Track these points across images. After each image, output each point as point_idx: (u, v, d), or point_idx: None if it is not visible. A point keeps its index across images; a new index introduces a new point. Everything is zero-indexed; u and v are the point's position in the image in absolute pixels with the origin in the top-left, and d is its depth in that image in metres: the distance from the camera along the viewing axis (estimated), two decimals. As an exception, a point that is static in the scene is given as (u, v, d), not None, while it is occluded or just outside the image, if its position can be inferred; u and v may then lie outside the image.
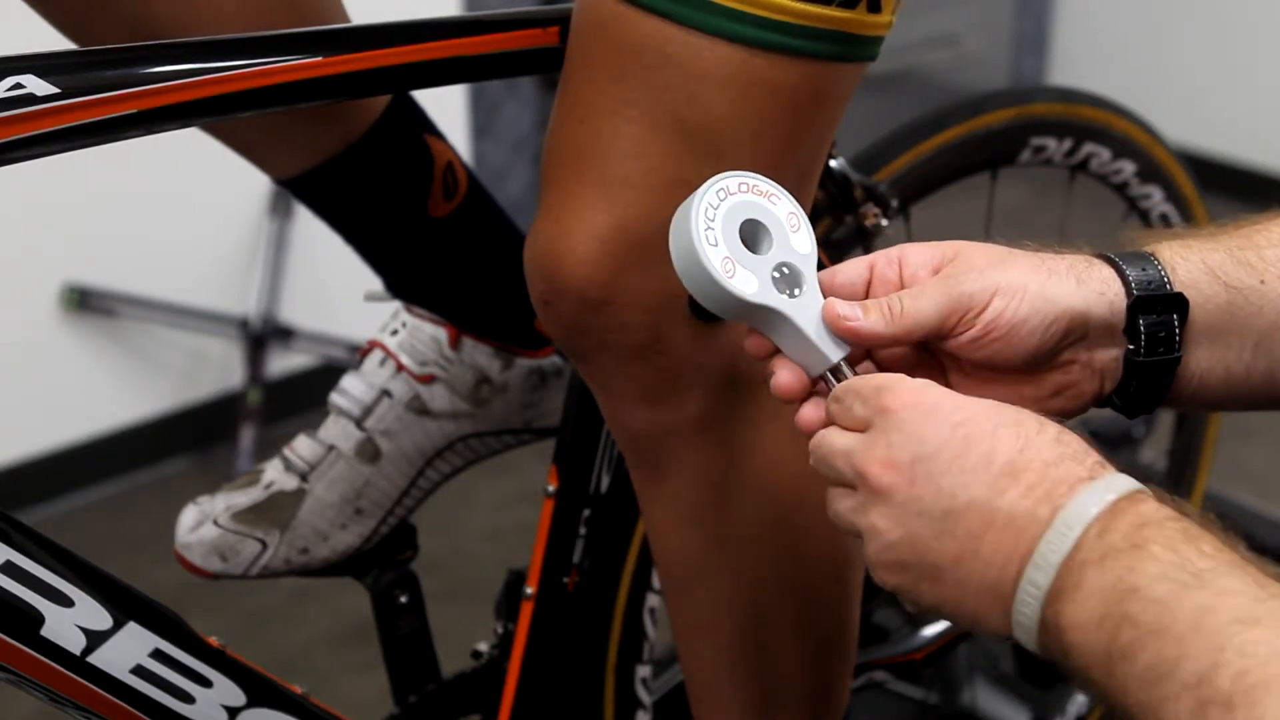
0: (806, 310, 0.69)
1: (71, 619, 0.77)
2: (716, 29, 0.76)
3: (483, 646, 1.14)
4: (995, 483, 0.59)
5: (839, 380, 0.68)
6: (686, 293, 0.82)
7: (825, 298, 0.70)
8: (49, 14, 0.92)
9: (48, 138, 0.71)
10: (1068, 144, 1.36)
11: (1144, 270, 0.69)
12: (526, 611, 1.06)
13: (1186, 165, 1.48)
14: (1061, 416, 0.70)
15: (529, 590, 1.06)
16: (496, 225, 1.11)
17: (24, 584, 0.76)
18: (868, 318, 0.68)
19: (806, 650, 0.96)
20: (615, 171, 0.79)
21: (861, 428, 0.64)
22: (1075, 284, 0.69)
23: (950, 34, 3.72)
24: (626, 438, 0.89)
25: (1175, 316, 0.69)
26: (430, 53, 0.84)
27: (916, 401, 0.62)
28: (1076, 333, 0.69)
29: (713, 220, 0.69)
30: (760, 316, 0.69)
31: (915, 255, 0.70)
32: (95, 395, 2.41)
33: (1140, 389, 0.71)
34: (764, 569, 0.92)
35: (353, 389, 1.09)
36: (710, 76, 0.77)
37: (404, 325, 1.10)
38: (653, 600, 1.12)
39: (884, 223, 1.14)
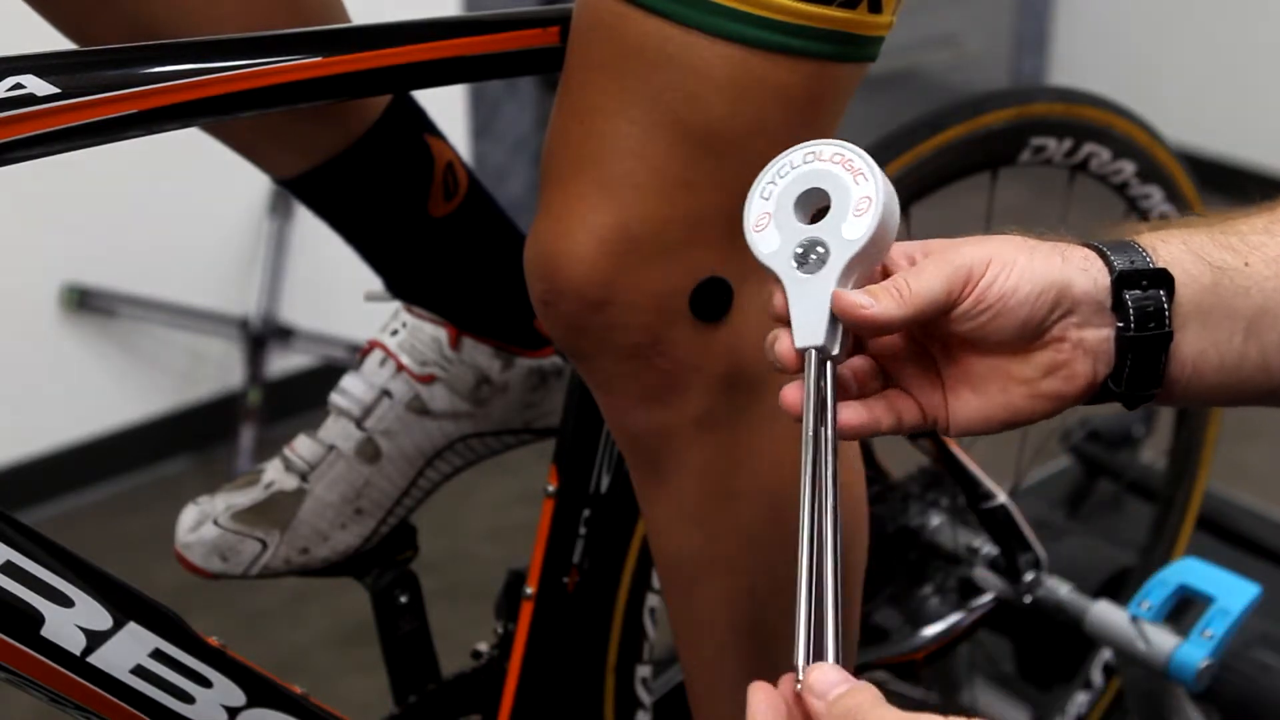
0: (810, 289, 0.68)
1: (71, 619, 0.77)
2: (717, 29, 0.76)
3: (483, 646, 1.14)
4: None
5: (822, 358, 0.68)
6: (687, 292, 0.82)
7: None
8: (49, 14, 0.92)
9: (48, 138, 0.71)
10: (1068, 144, 1.36)
11: (1124, 252, 0.70)
12: (526, 611, 1.06)
13: (1186, 165, 1.48)
14: (1058, 403, 0.70)
15: (529, 590, 1.06)
16: (496, 225, 1.11)
17: (24, 584, 0.76)
18: (880, 303, 0.68)
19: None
20: (615, 171, 0.79)
21: None
22: (1060, 260, 0.69)
23: (950, 34, 3.72)
24: (626, 438, 0.89)
25: (1162, 292, 0.69)
26: (430, 53, 0.84)
27: None
28: (1064, 305, 0.69)
29: (781, 177, 0.70)
30: (774, 278, 0.70)
31: (894, 250, 0.71)
32: (95, 395, 2.41)
33: (1135, 370, 0.70)
34: (764, 569, 0.92)
35: (353, 389, 1.09)
36: (711, 76, 0.77)
37: (404, 325, 1.10)
38: (653, 600, 1.12)
39: (884, 223, 1.14)
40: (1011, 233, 0.72)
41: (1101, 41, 3.86)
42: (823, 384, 0.68)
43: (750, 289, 0.84)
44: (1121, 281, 0.69)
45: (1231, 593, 1.24)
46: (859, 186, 0.70)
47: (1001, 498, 1.29)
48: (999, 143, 1.33)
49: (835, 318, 0.68)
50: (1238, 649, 1.43)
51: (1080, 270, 0.69)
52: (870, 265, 0.70)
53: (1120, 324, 0.69)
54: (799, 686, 0.62)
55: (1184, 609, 1.28)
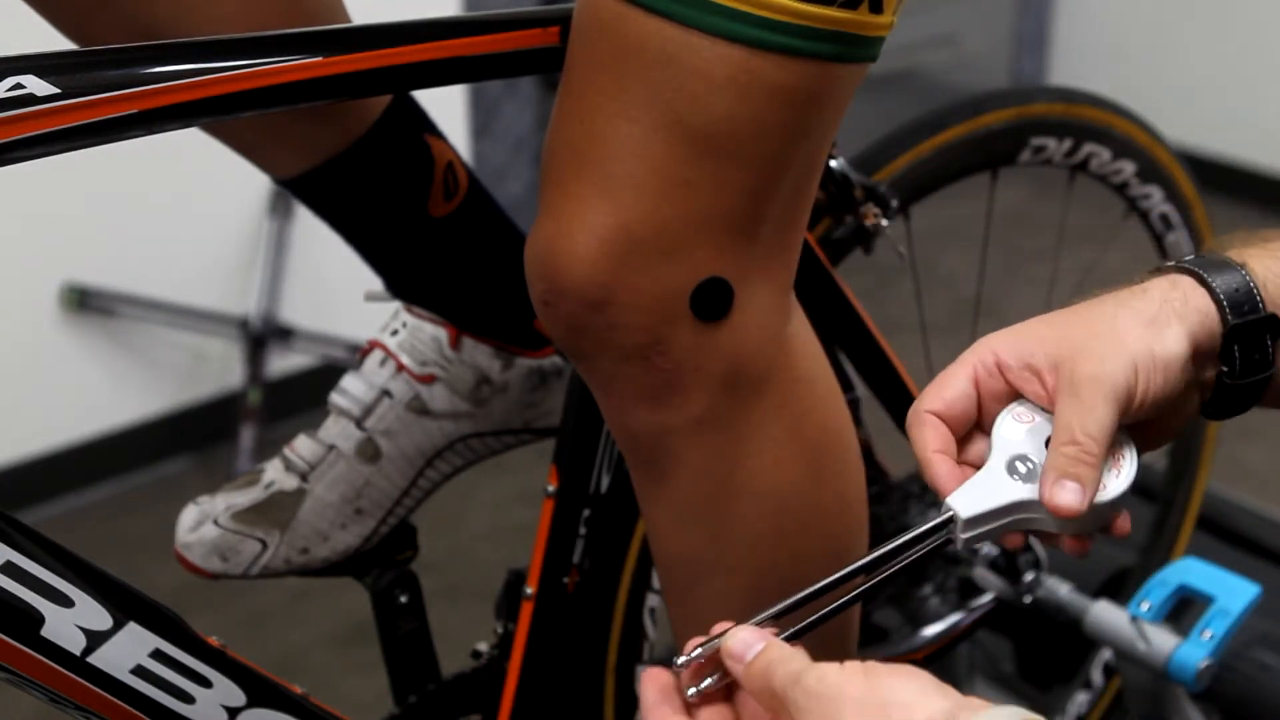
0: (1002, 489, 0.69)
1: (71, 619, 0.77)
2: (718, 29, 0.76)
3: (483, 646, 1.14)
4: None
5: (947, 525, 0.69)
6: (687, 292, 0.82)
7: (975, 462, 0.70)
8: (49, 14, 0.92)
9: (48, 138, 0.71)
10: (1068, 144, 1.36)
11: (1237, 290, 0.70)
12: (526, 611, 1.06)
13: (1186, 165, 1.48)
14: (1167, 437, 0.73)
15: (529, 590, 1.06)
16: (497, 225, 1.11)
17: (24, 584, 0.76)
18: (1088, 489, 0.67)
19: (806, 650, 0.96)
20: (616, 172, 0.79)
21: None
22: (1179, 325, 0.69)
23: (950, 34, 3.72)
24: (627, 438, 0.89)
25: (1269, 336, 0.70)
26: (430, 53, 0.84)
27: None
28: (1190, 368, 0.70)
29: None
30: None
31: (1010, 354, 0.70)
32: (95, 395, 2.41)
33: (1231, 403, 0.72)
34: (764, 569, 0.92)
35: (353, 389, 1.09)
36: (711, 77, 0.77)
37: (404, 325, 1.10)
38: (653, 600, 1.12)
39: (884, 223, 1.14)
40: (1098, 293, 0.72)
41: (1101, 41, 3.86)
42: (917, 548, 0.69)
43: (750, 289, 0.84)
44: (1234, 334, 0.70)
45: (1231, 593, 1.24)
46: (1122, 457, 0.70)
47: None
48: (999, 143, 1.33)
49: (992, 520, 0.68)
50: (1238, 649, 1.43)
51: (1201, 326, 0.69)
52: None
53: (1225, 369, 0.71)
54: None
55: (1184, 609, 1.28)
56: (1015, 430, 0.70)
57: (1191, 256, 0.73)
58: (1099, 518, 0.69)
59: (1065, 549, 0.71)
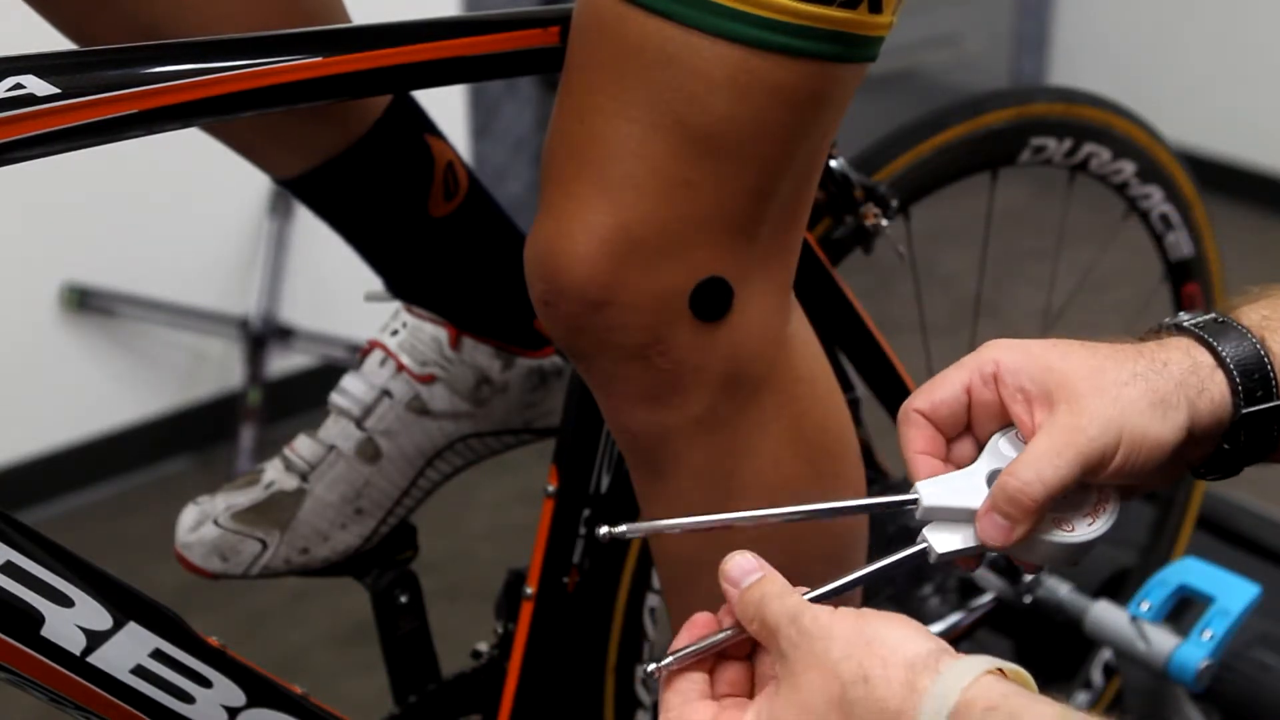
0: (972, 494, 0.69)
1: (71, 619, 0.77)
2: (717, 29, 0.76)
3: (483, 646, 1.14)
4: None
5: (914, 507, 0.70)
6: (687, 292, 0.82)
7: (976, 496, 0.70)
8: (49, 14, 0.92)
9: (48, 138, 0.71)
10: (1068, 144, 1.36)
11: (1254, 376, 0.69)
12: (526, 611, 1.06)
13: (1186, 165, 1.48)
14: (1170, 480, 0.73)
15: (529, 590, 1.06)
16: (497, 225, 1.11)
17: (24, 584, 0.76)
18: (1016, 530, 0.67)
19: None
20: (615, 172, 0.79)
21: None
22: (1187, 412, 0.68)
23: (950, 34, 3.72)
24: (626, 438, 0.89)
25: (1275, 423, 0.69)
26: (430, 53, 0.84)
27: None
28: (1182, 448, 0.69)
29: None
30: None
31: (1009, 370, 0.69)
32: (95, 395, 2.41)
33: (1226, 471, 0.72)
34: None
35: (353, 389, 1.09)
36: (711, 77, 0.77)
37: (404, 325, 1.10)
38: (653, 600, 1.12)
39: (884, 223, 1.14)
40: (1119, 340, 0.71)
41: (1101, 41, 3.86)
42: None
43: (750, 289, 0.84)
44: (1243, 421, 0.69)
45: (1231, 593, 1.24)
46: (1103, 506, 0.70)
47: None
48: (999, 143, 1.33)
49: (950, 518, 0.69)
50: (1238, 649, 1.43)
51: (1209, 414, 0.68)
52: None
53: (1226, 446, 0.70)
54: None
55: (1184, 609, 1.28)
56: (1008, 449, 0.70)
57: (1212, 320, 0.71)
58: (1062, 553, 0.69)
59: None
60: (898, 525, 1.37)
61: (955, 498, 0.69)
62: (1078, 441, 0.66)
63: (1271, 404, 0.69)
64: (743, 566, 0.66)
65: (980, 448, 0.71)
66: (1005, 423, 0.70)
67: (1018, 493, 0.66)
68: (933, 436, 0.71)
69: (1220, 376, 0.69)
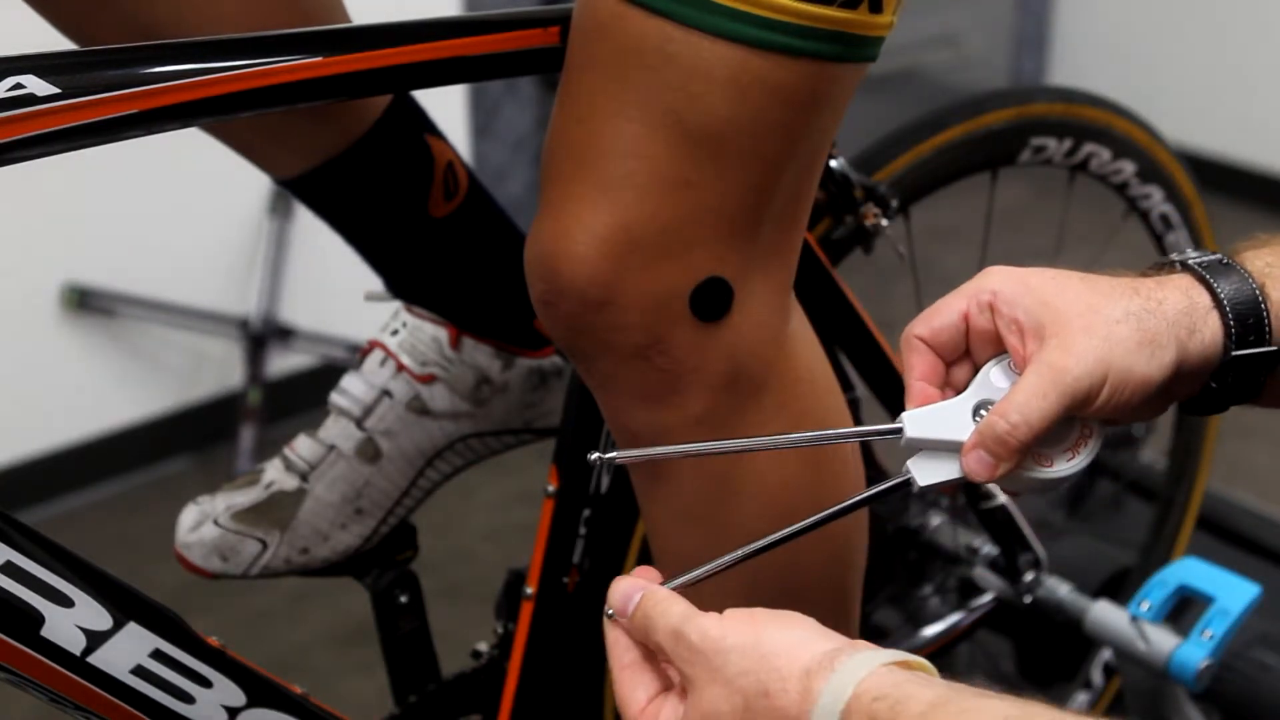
0: (960, 425, 0.70)
1: (71, 619, 0.77)
2: (717, 29, 0.76)
3: (483, 646, 1.14)
4: None
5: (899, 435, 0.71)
6: (687, 292, 0.82)
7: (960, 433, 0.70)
8: (49, 14, 0.92)
9: (48, 138, 0.71)
10: (1068, 144, 1.36)
11: (1248, 318, 0.69)
12: (526, 611, 1.06)
13: (1186, 165, 1.48)
14: (1157, 413, 0.73)
15: (529, 590, 1.06)
16: (497, 225, 1.11)
17: (24, 584, 0.76)
18: (1001, 467, 0.68)
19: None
20: (615, 171, 0.79)
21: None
22: (1176, 352, 0.69)
23: (950, 34, 3.72)
24: (627, 438, 0.89)
25: (1265, 367, 0.70)
26: (430, 53, 0.84)
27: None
28: (1178, 382, 0.70)
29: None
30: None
31: (1005, 299, 0.70)
32: (95, 395, 2.41)
33: (1213, 408, 0.72)
34: (763, 568, 0.91)
35: (353, 389, 1.09)
36: (711, 76, 0.77)
37: (404, 325, 1.10)
38: (653, 600, 1.12)
39: (884, 222, 1.14)
40: (1119, 274, 0.71)
41: (1101, 41, 3.86)
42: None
43: (750, 289, 0.84)
44: (1233, 363, 0.69)
45: (1231, 593, 1.24)
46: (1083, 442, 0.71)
47: (1001, 497, 1.29)
48: (999, 143, 1.33)
49: (935, 449, 0.70)
50: (1238, 649, 1.43)
51: (1199, 354, 0.69)
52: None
53: (1214, 385, 0.71)
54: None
55: (1184, 609, 1.28)
56: (999, 380, 0.71)
57: (1216, 261, 0.72)
58: (1040, 486, 0.71)
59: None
60: (897, 525, 1.37)
61: (941, 430, 0.70)
62: (1063, 381, 0.67)
63: (1262, 349, 0.69)
64: (624, 594, 0.67)
65: (977, 371, 0.72)
66: (1000, 349, 0.71)
67: (1006, 434, 0.67)
68: (933, 362, 0.72)
69: (1215, 318, 0.70)
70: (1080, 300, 0.69)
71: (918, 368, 0.72)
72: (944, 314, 0.72)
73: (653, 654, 0.66)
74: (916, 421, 0.70)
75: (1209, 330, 0.69)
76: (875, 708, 0.56)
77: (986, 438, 0.68)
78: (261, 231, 2.48)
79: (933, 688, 0.57)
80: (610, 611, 0.67)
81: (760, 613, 0.63)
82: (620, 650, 0.67)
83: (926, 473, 0.70)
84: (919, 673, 0.59)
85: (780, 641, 0.61)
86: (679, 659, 0.63)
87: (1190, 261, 0.72)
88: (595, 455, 0.72)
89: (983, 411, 0.70)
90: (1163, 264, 0.74)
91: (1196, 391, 0.72)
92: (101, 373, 2.42)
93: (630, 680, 0.66)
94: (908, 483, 0.70)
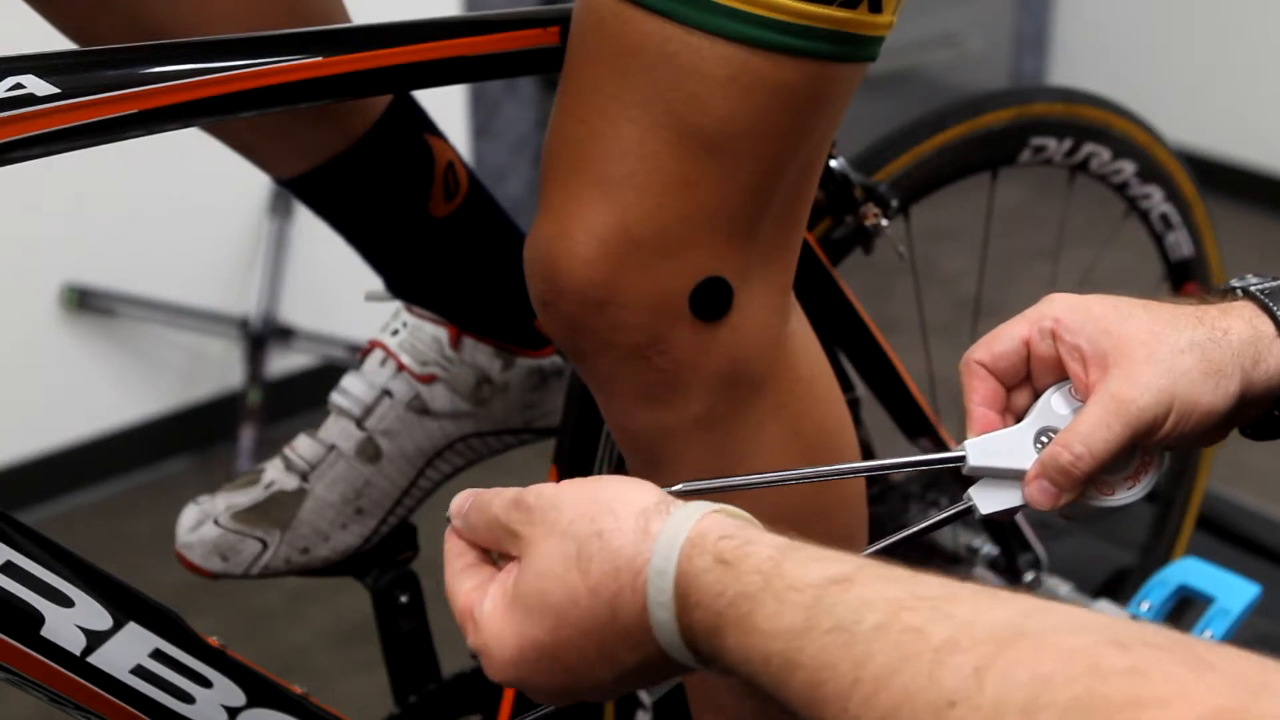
0: (1023, 455, 0.71)
1: (71, 619, 0.77)
2: (717, 28, 0.76)
3: (483, 646, 1.14)
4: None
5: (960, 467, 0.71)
6: (687, 292, 0.82)
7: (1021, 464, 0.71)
8: (49, 14, 0.92)
9: (48, 138, 0.71)
10: (1068, 144, 1.36)
11: None
12: (526, 611, 1.06)
13: (1186, 165, 1.48)
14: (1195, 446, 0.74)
15: (529, 590, 1.06)
16: (497, 225, 1.11)
17: (24, 584, 0.76)
18: (1063, 497, 0.69)
19: None
20: (615, 171, 0.79)
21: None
22: (1241, 381, 0.69)
23: (950, 34, 3.72)
24: (627, 438, 0.89)
25: None
26: (430, 53, 0.84)
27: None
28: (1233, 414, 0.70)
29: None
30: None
31: (1068, 327, 0.70)
32: (95, 395, 2.41)
33: (1275, 430, 0.73)
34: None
35: (353, 389, 1.09)
36: (711, 76, 0.77)
37: (405, 325, 1.10)
38: (653, 600, 1.12)
39: (884, 222, 1.14)
40: (1181, 302, 0.71)
41: (1101, 41, 3.86)
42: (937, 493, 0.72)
43: (750, 288, 0.84)
44: None
45: (1231, 593, 1.24)
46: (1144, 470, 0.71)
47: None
48: (999, 143, 1.33)
49: (996, 476, 0.70)
50: (1238, 649, 1.43)
51: (1263, 383, 0.69)
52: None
53: (1278, 412, 0.71)
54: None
55: (1184, 609, 1.28)
56: (1061, 406, 0.71)
57: (1276, 285, 0.72)
58: (1101, 514, 0.71)
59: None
60: (897, 525, 1.37)
61: (1003, 459, 0.70)
62: (1128, 412, 0.67)
63: None
64: (462, 497, 0.66)
65: (1037, 397, 0.72)
66: (1062, 375, 0.71)
67: (1069, 465, 0.67)
68: (994, 387, 0.72)
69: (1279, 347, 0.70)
70: (1143, 329, 0.69)
71: (979, 393, 0.72)
72: (1005, 340, 0.72)
73: (488, 556, 0.65)
74: (978, 449, 0.70)
75: (1274, 359, 0.70)
76: (722, 545, 0.55)
77: (1050, 468, 0.68)
78: (261, 231, 2.48)
79: (774, 534, 0.57)
80: (449, 517, 0.66)
81: (593, 477, 0.62)
82: (454, 555, 0.65)
83: (988, 501, 0.70)
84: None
85: (614, 490, 0.60)
86: (517, 522, 0.61)
87: (1253, 289, 0.72)
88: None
89: (1044, 439, 0.70)
90: (1225, 290, 0.74)
91: (1258, 417, 0.72)
92: (101, 373, 2.42)
93: (461, 578, 0.64)
94: (969, 510, 0.70)
